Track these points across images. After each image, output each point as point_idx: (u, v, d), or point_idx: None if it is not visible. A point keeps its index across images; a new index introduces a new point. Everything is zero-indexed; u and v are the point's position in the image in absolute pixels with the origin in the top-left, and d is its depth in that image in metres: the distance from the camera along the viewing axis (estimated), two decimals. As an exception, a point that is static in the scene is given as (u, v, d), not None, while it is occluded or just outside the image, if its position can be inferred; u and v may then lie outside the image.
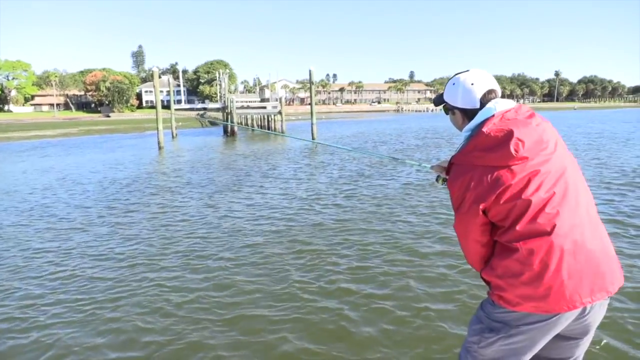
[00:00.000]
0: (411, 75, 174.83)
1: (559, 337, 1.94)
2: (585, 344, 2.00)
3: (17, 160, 22.06)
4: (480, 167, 1.81)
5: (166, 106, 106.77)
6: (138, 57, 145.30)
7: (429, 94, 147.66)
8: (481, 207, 1.82)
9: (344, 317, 4.37)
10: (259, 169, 15.58)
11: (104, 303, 4.92)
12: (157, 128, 25.09)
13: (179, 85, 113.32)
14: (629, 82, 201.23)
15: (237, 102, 34.78)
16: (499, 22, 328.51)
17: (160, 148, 24.83)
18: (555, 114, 77.25)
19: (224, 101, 37.51)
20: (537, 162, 1.79)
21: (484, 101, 1.91)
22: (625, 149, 17.79)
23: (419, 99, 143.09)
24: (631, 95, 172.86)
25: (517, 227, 1.78)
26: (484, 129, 1.82)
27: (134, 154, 23.28)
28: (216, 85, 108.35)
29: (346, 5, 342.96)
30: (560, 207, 1.77)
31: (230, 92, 50.86)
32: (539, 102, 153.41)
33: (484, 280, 1.98)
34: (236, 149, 25.62)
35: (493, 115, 1.86)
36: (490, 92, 1.93)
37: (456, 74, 2.00)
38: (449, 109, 2.06)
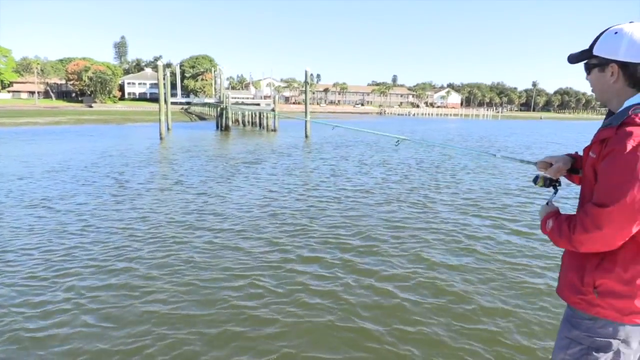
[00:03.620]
0: (394, 79, 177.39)
1: None
2: None
3: (37, 143, 22.53)
4: None
5: (157, 99, 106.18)
6: (120, 48, 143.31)
7: (411, 98, 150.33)
8: None
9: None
10: (268, 159, 16.77)
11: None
12: (160, 119, 26.10)
13: (164, 78, 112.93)
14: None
15: (232, 98, 35.65)
16: (481, 31, 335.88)
17: (161, 139, 25.69)
18: (523, 122, 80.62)
19: (219, 96, 38.31)
20: None
21: None
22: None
23: (401, 103, 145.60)
24: (604, 108, 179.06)
25: None
26: None
27: (138, 143, 24.05)
28: (201, 80, 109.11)
29: (332, 6, 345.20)
30: None
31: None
32: (516, 110, 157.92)
33: (591, 285, 1.73)
34: (234, 142, 26.64)
35: None
36: None
37: (612, 27, 1.74)
38: (595, 66, 1.78)
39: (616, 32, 1.68)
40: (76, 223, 7.69)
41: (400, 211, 8.91)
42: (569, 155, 2.06)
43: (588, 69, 1.80)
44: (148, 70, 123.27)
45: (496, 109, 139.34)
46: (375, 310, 4.61)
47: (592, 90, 1.86)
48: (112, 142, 24.21)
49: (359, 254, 6.33)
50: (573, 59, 1.83)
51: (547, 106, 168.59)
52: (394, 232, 7.38)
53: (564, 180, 2.11)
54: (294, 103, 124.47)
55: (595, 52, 1.73)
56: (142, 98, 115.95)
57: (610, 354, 1.71)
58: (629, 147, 1.54)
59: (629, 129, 1.58)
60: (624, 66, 1.67)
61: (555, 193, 2.05)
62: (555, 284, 1.89)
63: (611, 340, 1.70)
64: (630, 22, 1.68)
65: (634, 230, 1.58)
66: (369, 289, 5.14)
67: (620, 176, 1.56)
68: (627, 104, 1.69)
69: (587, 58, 1.78)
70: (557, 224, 1.78)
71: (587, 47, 1.78)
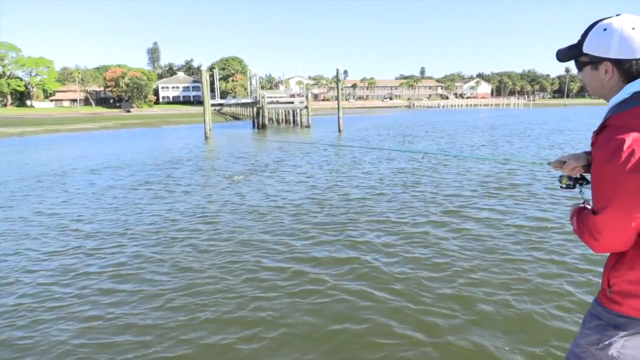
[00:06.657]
0: (422, 71, 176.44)
1: None
2: None
3: (107, 144, 24.90)
4: None
5: (190, 102, 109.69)
6: (153, 53, 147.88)
7: (439, 90, 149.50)
8: None
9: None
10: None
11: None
12: (204, 120, 28.06)
13: (195, 82, 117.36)
14: None
15: (267, 97, 37.74)
16: (510, 18, 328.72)
17: (206, 138, 27.76)
18: (551, 110, 79.43)
19: (255, 97, 40.39)
20: None
21: None
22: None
23: (430, 95, 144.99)
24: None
25: None
26: None
27: (187, 142, 26.13)
28: (231, 81, 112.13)
29: (356, 2, 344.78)
30: None
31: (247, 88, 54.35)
32: (549, 98, 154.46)
33: (606, 281, 1.73)
34: (275, 138, 28.51)
35: None
36: None
37: (600, 20, 1.66)
38: (587, 64, 1.70)
39: (605, 29, 1.60)
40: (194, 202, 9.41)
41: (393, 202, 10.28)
42: (587, 152, 1.89)
43: (580, 66, 1.73)
44: (180, 74, 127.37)
45: (528, 97, 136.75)
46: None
47: (587, 86, 1.78)
48: (164, 143, 26.51)
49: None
50: (562, 56, 1.77)
51: (581, 92, 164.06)
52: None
53: None
54: (322, 100, 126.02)
55: (585, 49, 1.66)
56: (176, 101, 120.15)
57: (628, 332, 1.65)
58: (605, 156, 1.52)
59: (603, 136, 1.58)
60: (617, 63, 1.60)
61: (580, 192, 1.94)
62: None
63: (629, 319, 1.65)
64: (617, 15, 1.62)
65: (634, 231, 1.55)
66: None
67: (603, 185, 1.55)
68: (612, 102, 1.64)
69: (577, 56, 1.71)
70: (576, 225, 1.77)
71: (575, 42, 1.71)
